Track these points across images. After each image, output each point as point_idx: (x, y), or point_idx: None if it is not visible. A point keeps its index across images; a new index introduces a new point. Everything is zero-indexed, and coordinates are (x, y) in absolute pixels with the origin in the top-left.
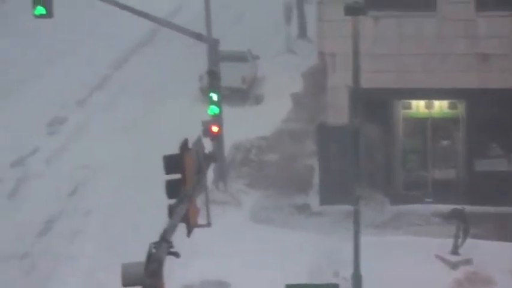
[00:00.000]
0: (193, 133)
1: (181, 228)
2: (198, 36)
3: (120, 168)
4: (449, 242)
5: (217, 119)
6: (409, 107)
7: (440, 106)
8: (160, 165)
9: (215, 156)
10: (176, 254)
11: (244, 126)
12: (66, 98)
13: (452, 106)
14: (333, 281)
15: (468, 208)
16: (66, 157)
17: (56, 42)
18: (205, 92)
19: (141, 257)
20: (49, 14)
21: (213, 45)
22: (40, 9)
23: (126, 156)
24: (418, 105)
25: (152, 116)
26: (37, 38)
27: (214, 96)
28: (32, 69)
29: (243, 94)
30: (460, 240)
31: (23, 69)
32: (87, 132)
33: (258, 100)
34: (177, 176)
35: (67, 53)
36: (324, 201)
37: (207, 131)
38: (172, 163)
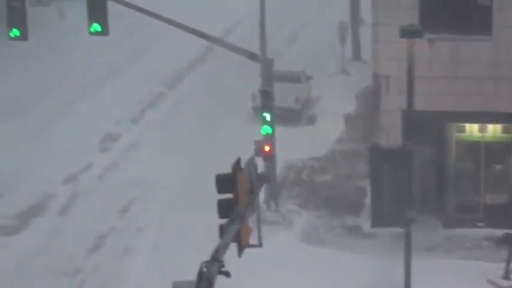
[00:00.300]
0: (245, 152)
1: (233, 247)
2: (253, 56)
3: (172, 186)
4: (501, 267)
5: (269, 139)
6: (462, 130)
7: (494, 130)
8: (212, 184)
9: (268, 177)
10: (227, 274)
11: (296, 146)
12: (120, 115)
13: (506, 130)
14: None
15: None
16: (118, 174)
17: (112, 60)
18: (258, 112)
19: (192, 275)
20: (104, 32)
21: (267, 65)
22: (96, 27)
23: (178, 175)
24: (472, 129)
25: (205, 135)
26: (92, 55)
27: (268, 116)
28: (86, 85)
29: (296, 114)
30: None
31: (77, 85)
32: (139, 149)
33: (311, 120)
34: (229, 195)
35: (122, 70)
36: (375, 223)
37: (259, 151)
38: (224, 182)
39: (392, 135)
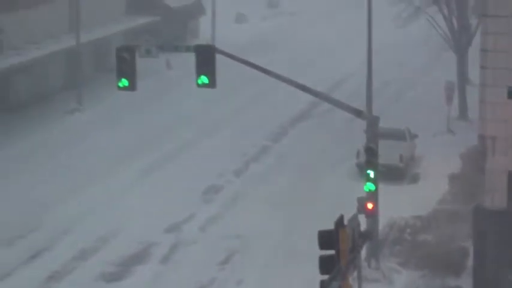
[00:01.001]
0: (347, 209)
1: None
2: (358, 113)
3: (273, 239)
4: None
5: (372, 196)
6: None
7: None
8: (314, 239)
9: (371, 234)
10: None
11: (399, 204)
12: (224, 167)
13: None
14: None
15: None
16: (220, 226)
17: (217, 112)
18: (362, 168)
19: None
20: (211, 84)
21: (372, 122)
22: (203, 79)
23: (280, 228)
24: None
25: (307, 189)
26: (199, 106)
27: (371, 173)
28: (192, 136)
29: (400, 172)
30: None
31: (183, 136)
32: (242, 202)
33: (415, 179)
34: (331, 252)
35: (227, 122)
36: (477, 285)
37: (362, 208)
38: (327, 239)
39: (497, 197)
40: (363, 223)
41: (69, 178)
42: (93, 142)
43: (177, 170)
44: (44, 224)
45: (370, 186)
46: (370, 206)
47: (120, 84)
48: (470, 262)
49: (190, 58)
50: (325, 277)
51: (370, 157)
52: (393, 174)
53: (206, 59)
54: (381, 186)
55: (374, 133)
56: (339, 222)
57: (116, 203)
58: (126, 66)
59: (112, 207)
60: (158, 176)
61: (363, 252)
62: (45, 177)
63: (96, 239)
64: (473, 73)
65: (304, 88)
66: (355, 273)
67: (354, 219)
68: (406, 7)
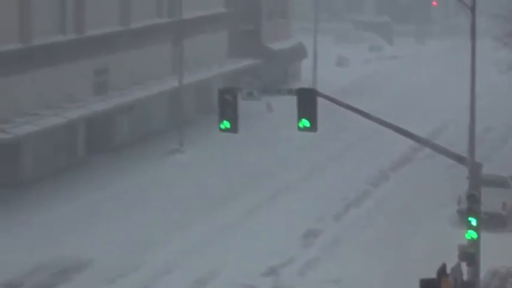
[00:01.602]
0: (448, 256)
1: None
2: (461, 159)
3: (372, 285)
4: None
5: (474, 244)
6: None
7: None
8: (414, 287)
9: (473, 284)
10: None
11: (501, 253)
12: (323, 211)
13: None
14: None
15: None
16: (319, 270)
17: (318, 155)
18: (463, 215)
19: None
20: (313, 128)
21: (475, 168)
22: (304, 122)
23: (379, 274)
24: None
25: (407, 235)
26: (299, 149)
27: (473, 221)
28: (291, 179)
29: (502, 220)
30: None
31: (282, 179)
32: (341, 246)
33: None
34: None
35: (328, 166)
36: None
37: (464, 256)
38: (428, 287)
39: None
40: (464, 271)
41: (169, 218)
42: (193, 183)
43: (276, 212)
44: (145, 264)
45: (472, 234)
46: (471, 253)
47: (222, 126)
48: None
49: (291, 101)
50: None
51: (473, 204)
52: (495, 222)
53: (308, 103)
54: (483, 234)
55: (476, 180)
56: (442, 270)
57: (215, 244)
58: (228, 109)
59: (210, 248)
60: (257, 218)
61: None
62: (146, 217)
63: (194, 280)
64: None
65: (405, 133)
66: None
67: (457, 268)
68: (509, 52)
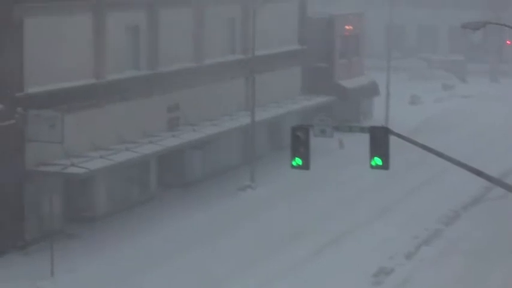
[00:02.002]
0: None
1: None
2: None
3: None
4: None
5: None
6: None
7: None
8: None
9: None
10: None
11: None
12: (395, 250)
13: None
14: None
15: None
16: None
17: (389, 193)
18: None
19: None
20: (385, 166)
21: None
22: (377, 160)
23: None
24: None
25: (481, 275)
26: (370, 187)
27: None
28: (362, 217)
29: None
30: None
31: (352, 216)
32: (412, 286)
33: None
34: None
35: (399, 205)
36: None
37: None
38: None
39: None
40: None
41: (240, 253)
42: (263, 219)
43: (346, 250)
44: None
45: None
46: None
47: (294, 163)
48: None
49: (362, 138)
50: None
51: None
52: None
53: (380, 141)
54: None
55: None
56: None
57: (285, 281)
58: (300, 146)
59: (281, 285)
60: (327, 256)
61: None
62: (217, 252)
63: None
64: None
65: (477, 172)
66: None
67: None
68: None
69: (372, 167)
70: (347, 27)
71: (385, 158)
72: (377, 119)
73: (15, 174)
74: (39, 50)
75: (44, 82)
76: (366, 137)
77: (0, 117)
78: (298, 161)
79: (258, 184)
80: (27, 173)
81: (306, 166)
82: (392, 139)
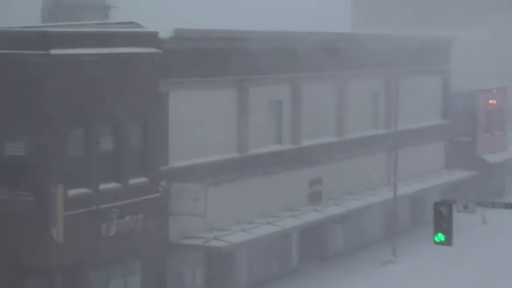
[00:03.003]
0: None
1: None
2: None
3: None
4: None
5: None
6: None
7: None
8: None
9: None
10: None
11: None
12: None
13: None
14: None
15: None
16: None
17: None
18: None
19: None
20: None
21: None
22: (440, 236)
23: None
24: None
25: None
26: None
27: None
28: None
29: None
30: None
31: None
32: None
33: None
34: None
35: None
36: None
37: None
38: None
39: None
40: None
41: None
42: None
43: None
44: None
45: None
46: None
47: (437, 239)
48: None
49: (506, 214)
50: None
51: None
52: None
53: None
54: None
55: None
56: None
57: None
58: (442, 221)
59: None
60: None
61: None
62: None
63: None
64: None
65: None
66: None
67: None
68: None
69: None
70: (490, 101)
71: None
72: None
73: (159, 247)
74: (183, 123)
75: (187, 156)
76: (510, 213)
77: (145, 190)
78: (440, 236)
79: (400, 259)
80: (170, 246)
81: (448, 242)
82: None
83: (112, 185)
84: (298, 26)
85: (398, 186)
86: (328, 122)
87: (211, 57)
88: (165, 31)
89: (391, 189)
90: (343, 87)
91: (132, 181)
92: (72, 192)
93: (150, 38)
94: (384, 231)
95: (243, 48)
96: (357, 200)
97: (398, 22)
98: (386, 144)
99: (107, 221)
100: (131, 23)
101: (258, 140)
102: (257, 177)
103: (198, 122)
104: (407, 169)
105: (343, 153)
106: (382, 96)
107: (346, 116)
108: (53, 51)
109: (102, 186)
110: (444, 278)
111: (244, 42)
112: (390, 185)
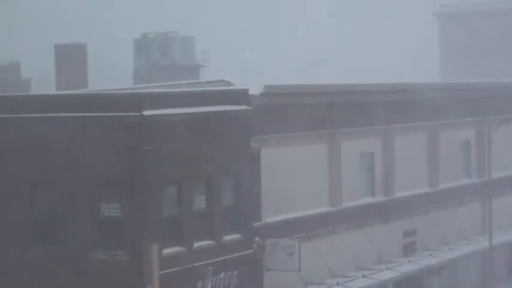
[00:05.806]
0: None
1: None
2: None
3: None
4: None
5: None
6: None
7: None
8: None
9: None
10: None
11: None
12: None
13: None
14: None
15: None
16: None
17: None
18: None
19: None
20: None
21: None
22: None
23: None
24: None
25: None
26: None
27: None
28: None
29: None
30: None
31: None
32: None
33: None
34: None
35: None
36: None
37: None
38: None
39: None
40: None
41: None
42: None
43: None
44: None
45: None
46: None
47: None
48: None
49: None
50: None
51: None
52: None
53: None
54: None
55: None
56: None
57: None
58: None
59: None
60: None
61: None
62: None
63: None
64: None
65: None
66: None
67: None
68: None
69: None
70: None
71: None
72: None
73: None
74: (275, 179)
75: (280, 211)
76: None
77: (239, 247)
78: None
79: None
80: None
81: None
82: None
83: (206, 243)
84: (387, 78)
85: (494, 235)
86: (421, 173)
87: (301, 112)
88: (255, 87)
89: (485, 238)
90: (435, 137)
91: (226, 238)
92: (167, 250)
93: (241, 95)
94: (480, 281)
95: (333, 102)
96: (452, 250)
97: (485, 71)
98: (479, 193)
99: (201, 278)
100: (222, 81)
101: (350, 193)
102: (350, 230)
103: (290, 176)
104: (502, 218)
105: (436, 203)
106: (474, 145)
107: (438, 165)
108: (146, 113)
109: (197, 244)
110: None
111: (333, 96)
112: (485, 234)
